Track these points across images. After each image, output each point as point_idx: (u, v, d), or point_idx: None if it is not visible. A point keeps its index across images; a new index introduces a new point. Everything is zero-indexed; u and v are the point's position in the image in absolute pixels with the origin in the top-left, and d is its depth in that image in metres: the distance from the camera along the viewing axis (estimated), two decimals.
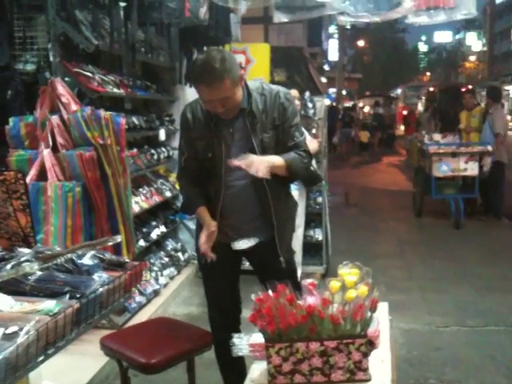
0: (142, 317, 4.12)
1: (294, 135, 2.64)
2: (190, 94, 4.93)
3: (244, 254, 2.77)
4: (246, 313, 2.19)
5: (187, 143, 2.67)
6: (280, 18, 4.38)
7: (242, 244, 2.62)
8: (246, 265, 2.92)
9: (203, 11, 4.69)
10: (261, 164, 2.42)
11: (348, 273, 2.04)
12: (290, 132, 2.63)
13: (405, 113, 21.61)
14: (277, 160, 2.53)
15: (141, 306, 4.35)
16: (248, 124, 2.55)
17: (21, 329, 1.59)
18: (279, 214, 2.65)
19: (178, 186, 3.13)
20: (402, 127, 22.03)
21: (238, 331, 2.38)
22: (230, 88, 2.41)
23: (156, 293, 4.67)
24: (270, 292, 1.96)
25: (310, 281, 2.01)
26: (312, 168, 4.85)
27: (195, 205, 2.66)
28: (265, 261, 2.70)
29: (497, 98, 8.61)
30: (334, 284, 1.96)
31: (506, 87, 22.58)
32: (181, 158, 2.72)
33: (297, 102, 4.85)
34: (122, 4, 4.07)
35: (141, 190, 4.90)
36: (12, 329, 1.59)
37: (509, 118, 12.15)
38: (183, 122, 2.67)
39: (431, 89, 17.31)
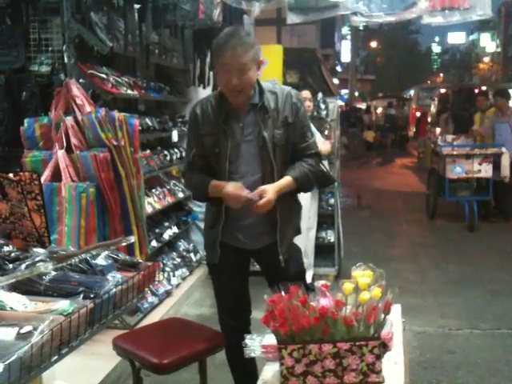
0: (154, 317, 4.14)
1: (306, 136, 2.67)
2: (203, 95, 4.94)
3: (252, 255, 2.77)
4: (258, 314, 2.19)
5: (196, 139, 2.66)
6: (293, 19, 4.38)
7: None
8: (256, 266, 2.92)
9: (217, 13, 4.70)
10: (269, 202, 2.48)
11: (361, 275, 2.03)
12: (302, 132, 2.65)
13: (418, 114, 21.49)
14: (284, 185, 2.56)
15: (153, 307, 4.37)
16: (260, 119, 2.56)
17: (35, 328, 1.60)
18: (283, 215, 2.64)
19: (183, 181, 3.11)
20: (415, 129, 21.92)
21: (248, 332, 2.38)
22: (250, 61, 2.46)
23: (168, 293, 4.68)
24: (283, 293, 1.96)
25: (322, 282, 2.00)
26: (324, 169, 4.87)
27: (206, 182, 2.61)
28: (271, 262, 2.69)
29: (509, 98, 8.56)
30: (348, 286, 1.96)
31: None
32: (189, 153, 2.72)
33: (309, 104, 4.84)
34: (137, 6, 4.10)
35: (154, 190, 4.92)
36: (26, 328, 1.60)
37: None
38: (192, 118, 2.68)
39: (443, 90, 17.20)
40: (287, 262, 2.66)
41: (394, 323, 2.16)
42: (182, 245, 5.47)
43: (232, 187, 2.50)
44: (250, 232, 2.66)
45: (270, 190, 2.49)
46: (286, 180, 2.58)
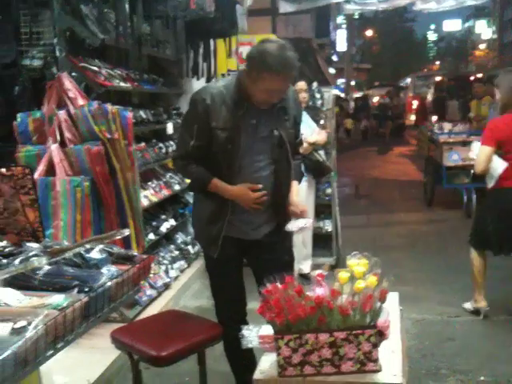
0: (153, 310, 4.13)
1: (300, 130, 2.81)
2: (197, 86, 4.92)
3: (252, 244, 2.74)
4: (254, 305, 2.18)
5: (201, 131, 2.51)
6: (286, 8, 4.36)
7: (300, 223, 2.62)
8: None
9: (209, 3, 4.67)
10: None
11: (357, 263, 2.02)
12: (299, 129, 2.79)
13: (415, 103, 21.47)
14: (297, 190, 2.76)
15: (151, 299, 4.37)
16: (275, 118, 2.56)
17: (29, 323, 1.59)
18: (287, 204, 2.71)
19: (174, 165, 2.96)
20: (413, 117, 21.92)
21: (245, 323, 2.38)
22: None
23: (166, 286, 4.68)
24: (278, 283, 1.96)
25: (318, 272, 2.00)
26: (321, 159, 4.86)
27: (206, 179, 2.57)
28: (272, 250, 2.70)
29: None
30: (343, 275, 1.95)
31: None
32: (188, 141, 2.56)
33: (304, 95, 4.82)
34: None
35: (149, 183, 4.90)
36: (21, 323, 1.59)
37: None
38: (201, 108, 2.50)
39: (438, 78, 17.18)
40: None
41: (391, 311, 2.15)
42: (180, 237, 5.46)
43: (247, 187, 2.54)
44: (252, 223, 2.66)
45: (298, 204, 2.68)
46: (295, 186, 2.74)
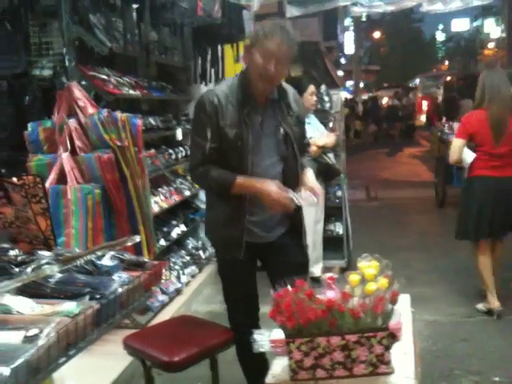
0: (165, 315, 4.14)
1: (305, 131, 2.83)
2: None
3: (264, 248, 2.73)
4: (267, 309, 2.18)
5: (214, 131, 2.51)
6: (292, 12, 4.38)
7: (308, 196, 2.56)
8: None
9: (216, 9, 4.70)
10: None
11: (367, 266, 2.02)
12: (305, 130, 2.80)
13: (425, 103, 21.41)
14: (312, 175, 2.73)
15: (163, 305, 4.38)
16: (279, 114, 2.59)
17: (41, 331, 1.60)
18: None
19: (192, 176, 2.84)
20: (423, 117, 21.84)
21: (258, 327, 2.38)
22: (290, 57, 2.50)
23: (178, 291, 4.69)
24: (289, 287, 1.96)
25: (329, 275, 2.00)
26: (330, 162, 4.86)
27: (230, 178, 2.51)
28: (286, 252, 2.70)
29: None
30: (354, 277, 1.95)
31: None
32: (204, 145, 2.53)
33: (315, 98, 4.82)
34: (135, 5, 4.10)
35: (160, 189, 4.92)
36: (33, 331, 1.60)
37: None
38: (210, 109, 2.51)
39: (447, 78, 17.12)
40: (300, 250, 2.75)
41: (403, 313, 2.14)
42: (191, 243, 5.48)
43: (277, 186, 2.45)
44: (266, 225, 2.66)
45: (314, 181, 2.66)
46: (310, 172, 2.73)
